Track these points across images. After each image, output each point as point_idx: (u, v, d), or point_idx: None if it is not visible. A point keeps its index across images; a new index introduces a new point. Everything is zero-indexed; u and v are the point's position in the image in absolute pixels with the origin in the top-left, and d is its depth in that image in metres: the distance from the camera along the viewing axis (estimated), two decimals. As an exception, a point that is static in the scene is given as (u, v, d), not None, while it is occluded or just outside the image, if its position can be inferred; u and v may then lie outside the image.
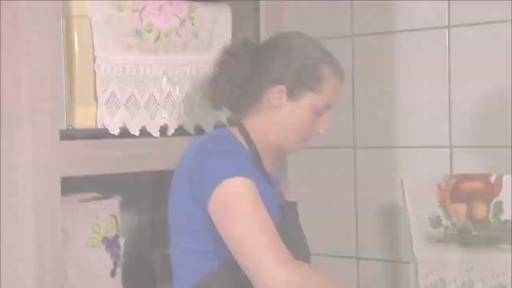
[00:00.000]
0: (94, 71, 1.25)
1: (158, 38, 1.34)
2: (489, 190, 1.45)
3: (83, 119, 1.25)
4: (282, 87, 1.21)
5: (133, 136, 1.32)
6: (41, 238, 1.15)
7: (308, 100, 1.22)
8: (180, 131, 1.40)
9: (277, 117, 1.24)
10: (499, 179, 1.44)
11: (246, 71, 1.25)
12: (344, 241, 1.79)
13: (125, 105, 1.30)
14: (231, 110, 1.33)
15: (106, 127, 1.28)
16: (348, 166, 1.77)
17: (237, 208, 1.10)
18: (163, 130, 1.37)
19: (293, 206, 1.31)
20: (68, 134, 1.25)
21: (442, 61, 1.63)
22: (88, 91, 1.26)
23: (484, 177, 1.46)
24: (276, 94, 1.22)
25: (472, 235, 1.49)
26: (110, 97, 1.28)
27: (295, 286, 1.06)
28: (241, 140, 1.23)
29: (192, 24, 1.41)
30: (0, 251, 1.17)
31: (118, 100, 1.29)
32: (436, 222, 1.53)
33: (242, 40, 1.30)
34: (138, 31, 1.31)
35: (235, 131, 1.25)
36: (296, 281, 1.05)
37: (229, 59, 1.27)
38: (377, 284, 1.76)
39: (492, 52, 1.57)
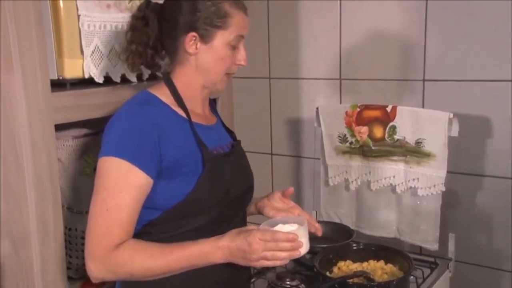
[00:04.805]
0: (79, 28, 1.26)
1: (132, -2, 1.36)
2: (386, 117, 1.59)
3: (72, 70, 1.27)
4: (193, 34, 1.16)
5: (115, 83, 1.35)
6: (39, 170, 1.17)
7: (220, 38, 1.17)
8: (152, 77, 1.43)
9: (198, 63, 1.18)
10: (394, 108, 1.58)
11: (155, 31, 1.20)
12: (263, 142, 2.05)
13: (107, 56, 1.32)
14: (150, 69, 1.28)
15: (92, 76, 1.30)
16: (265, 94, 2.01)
17: (100, 184, 1.07)
18: (140, 76, 1.42)
19: (239, 143, 1.32)
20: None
21: (335, 15, 1.81)
22: (75, 46, 1.27)
23: (382, 107, 1.60)
24: (189, 42, 1.16)
25: (371, 149, 1.64)
26: (94, 50, 1.30)
27: (104, 276, 1.07)
28: (165, 96, 1.18)
29: (160, -13, 1.43)
30: (1, 185, 1.19)
31: (101, 52, 1.31)
32: (343, 139, 1.70)
33: (145, 2, 1.23)
34: (116, -7, 1.32)
35: (161, 87, 1.20)
36: (104, 274, 1.07)
37: (137, 23, 1.21)
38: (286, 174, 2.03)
39: (372, 13, 1.74)
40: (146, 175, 1.08)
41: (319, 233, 1.30)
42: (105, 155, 1.08)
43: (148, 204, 1.12)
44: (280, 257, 1.07)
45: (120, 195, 1.06)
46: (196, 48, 1.17)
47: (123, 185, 1.06)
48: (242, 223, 1.28)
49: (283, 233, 1.07)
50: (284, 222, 1.15)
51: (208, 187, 1.14)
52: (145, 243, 1.09)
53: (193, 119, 1.19)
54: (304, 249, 1.09)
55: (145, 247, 1.08)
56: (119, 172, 1.06)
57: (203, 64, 1.19)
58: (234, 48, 1.20)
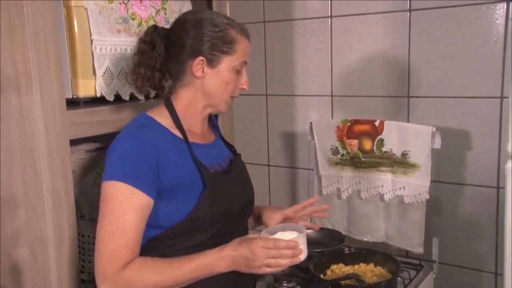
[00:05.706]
0: (92, 51, 1.31)
1: (140, 24, 1.41)
2: (374, 131, 1.65)
3: (85, 90, 1.31)
4: (201, 58, 1.16)
5: (124, 101, 1.40)
6: (55, 182, 1.21)
7: (226, 63, 1.18)
8: (158, 95, 1.42)
9: (204, 86, 1.19)
10: (381, 123, 1.64)
11: (162, 55, 1.21)
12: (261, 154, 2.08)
13: (117, 77, 1.37)
14: (156, 91, 1.28)
15: (104, 95, 1.35)
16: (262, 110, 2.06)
17: (105, 208, 1.10)
18: (147, 95, 1.45)
19: (238, 157, 1.33)
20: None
21: (326, 39, 1.88)
22: (88, 67, 1.31)
23: (371, 121, 1.65)
24: (197, 66, 1.17)
25: (361, 161, 1.69)
26: (106, 71, 1.34)
27: None
28: (164, 118, 1.18)
29: (165, 14, 1.49)
30: (20, 195, 1.23)
31: (112, 73, 1.35)
32: (335, 151, 1.75)
33: (152, 27, 1.24)
34: (125, 19, 1.37)
35: (160, 109, 1.21)
36: None
37: (144, 47, 1.22)
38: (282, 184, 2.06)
39: (360, 35, 1.81)
40: (148, 196, 1.10)
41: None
42: (108, 180, 1.10)
43: (152, 223, 1.14)
44: (281, 264, 1.09)
45: (125, 217, 1.08)
46: (203, 72, 1.18)
47: (127, 208, 1.08)
48: (243, 236, 1.28)
49: (284, 241, 1.09)
50: (283, 230, 1.18)
51: (209, 206, 1.15)
52: (151, 260, 1.11)
53: (191, 139, 1.20)
54: (303, 255, 1.12)
55: (152, 264, 1.10)
56: (122, 196, 1.09)
57: (209, 87, 1.20)
58: (238, 72, 1.21)
